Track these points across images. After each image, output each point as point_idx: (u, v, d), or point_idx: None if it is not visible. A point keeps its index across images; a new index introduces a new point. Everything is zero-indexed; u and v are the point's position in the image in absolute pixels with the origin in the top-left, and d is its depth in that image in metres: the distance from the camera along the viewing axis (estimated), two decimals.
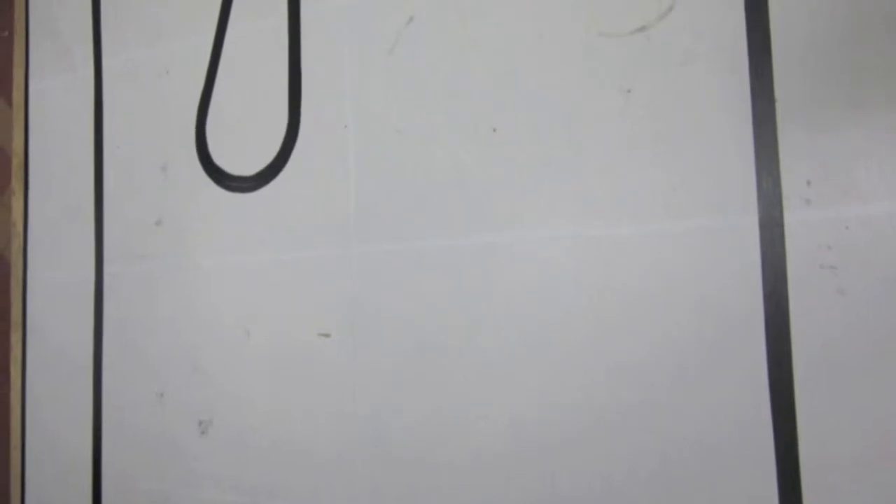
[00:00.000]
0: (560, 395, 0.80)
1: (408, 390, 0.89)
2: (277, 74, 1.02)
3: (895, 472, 0.65)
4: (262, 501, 0.99)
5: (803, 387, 0.69)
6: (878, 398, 0.66)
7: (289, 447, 0.98)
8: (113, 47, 1.20)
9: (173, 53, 1.13)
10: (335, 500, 0.94)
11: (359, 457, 0.92)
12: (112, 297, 1.17)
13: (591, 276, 0.79)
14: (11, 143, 1.31)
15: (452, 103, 0.88)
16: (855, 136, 0.69)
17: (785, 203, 0.71)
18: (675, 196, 0.76)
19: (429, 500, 0.87)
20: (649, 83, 0.77)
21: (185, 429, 1.08)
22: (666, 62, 0.77)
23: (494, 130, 0.86)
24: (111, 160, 1.19)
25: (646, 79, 0.78)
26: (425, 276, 0.89)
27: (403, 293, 0.90)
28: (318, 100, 0.99)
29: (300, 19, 1.01)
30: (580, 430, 0.79)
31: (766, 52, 0.72)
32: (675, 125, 0.76)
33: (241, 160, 1.05)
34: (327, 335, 0.95)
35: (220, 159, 1.07)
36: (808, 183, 0.70)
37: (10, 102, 1.32)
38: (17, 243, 1.30)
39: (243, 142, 1.05)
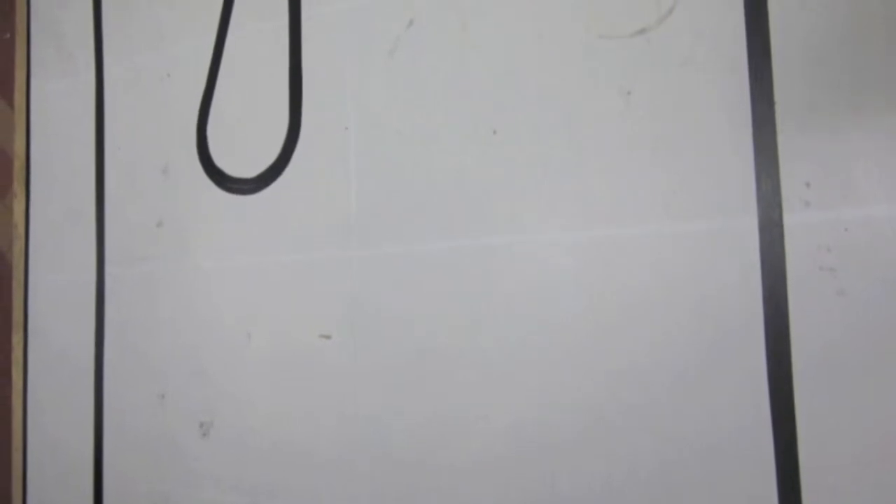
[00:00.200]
0: (560, 396, 0.80)
1: (408, 391, 0.89)
2: (278, 77, 1.02)
3: (895, 474, 0.65)
4: (263, 502, 1.00)
5: (803, 388, 0.69)
6: (877, 399, 0.66)
7: (289, 448, 0.98)
8: (115, 50, 1.21)
9: (175, 56, 1.13)
10: (335, 500, 0.94)
11: (359, 458, 0.92)
12: (113, 299, 1.18)
13: (591, 277, 0.79)
14: (13, 146, 1.31)
15: (453, 105, 0.89)
16: (854, 138, 0.69)
17: (784, 205, 0.71)
18: (675, 197, 0.76)
19: (429, 501, 0.87)
20: (649, 85, 0.78)
21: (185, 430, 1.08)
22: (666, 64, 0.77)
23: (494, 132, 0.86)
24: (112, 163, 1.20)
25: (646, 81, 0.78)
26: (425, 277, 0.89)
27: (404, 294, 0.90)
28: (319, 102, 0.99)
29: (301, 22, 1.01)
30: (580, 430, 0.79)
31: (765, 55, 0.73)
32: (675, 127, 0.76)
33: (241, 162, 1.05)
34: (328, 337, 0.96)
35: (221, 161, 1.07)
36: (808, 185, 0.70)
37: (11, 105, 1.33)
38: (18, 245, 1.30)
39: (244, 144, 1.05)
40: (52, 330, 1.26)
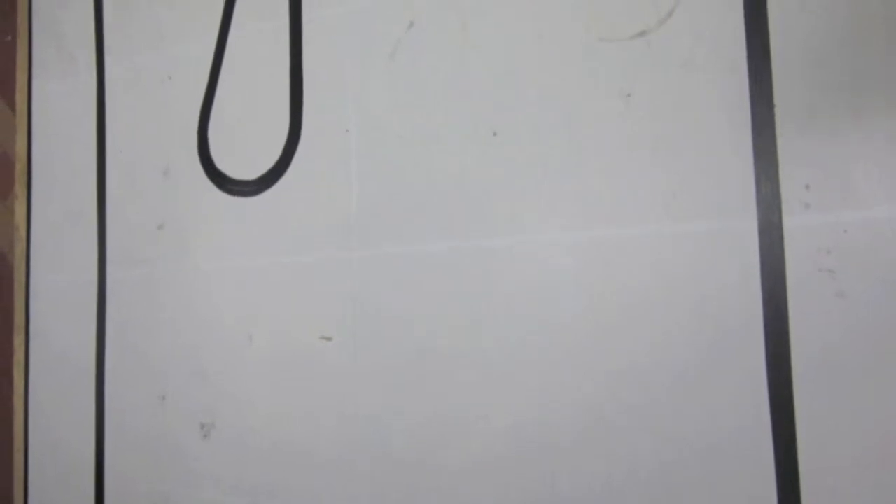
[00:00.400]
0: (560, 396, 0.80)
1: (408, 392, 0.89)
2: (279, 79, 1.02)
3: (894, 475, 0.66)
4: (263, 502, 1.00)
5: (802, 389, 0.69)
6: (877, 400, 0.66)
7: (290, 449, 0.98)
8: (116, 52, 1.21)
9: (176, 58, 1.14)
10: (335, 501, 0.94)
11: (359, 458, 0.92)
12: (114, 301, 1.18)
13: (591, 278, 0.79)
14: (14, 147, 1.32)
15: (453, 107, 0.89)
16: (854, 140, 0.69)
17: (784, 207, 0.71)
18: (675, 199, 0.76)
19: (429, 501, 0.87)
20: (649, 88, 0.78)
21: (186, 431, 1.08)
22: (666, 67, 0.77)
23: (495, 134, 0.86)
24: (114, 164, 1.20)
25: (646, 83, 0.78)
26: (426, 277, 0.89)
27: (404, 295, 0.91)
28: (320, 104, 0.99)
29: (302, 24, 1.01)
30: (580, 431, 0.79)
31: (765, 58, 0.73)
32: (675, 129, 0.76)
33: (242, 164, 1.05)
34: (329, 338, 0.96)
35: (221, 163, 1.07)
36: (807, 187, 0.70)
37: (13, 106, 1.33)
38: (20, 247, 1.31)
39: (245, 146, 1.05)
40: (53, 331, 1.26)
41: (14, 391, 1.29)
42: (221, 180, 1.07)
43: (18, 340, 1.29)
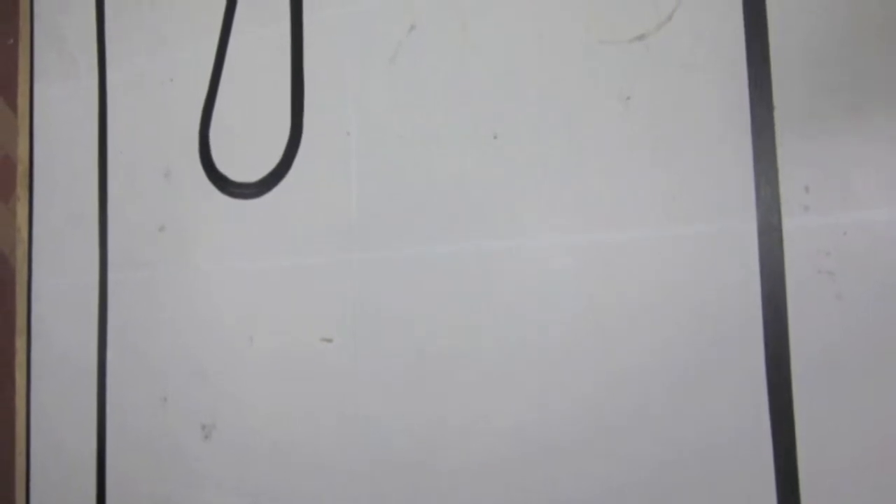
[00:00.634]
0: (560, 399, 0.80)
1: (409, 394, 0.90)
2: (280, 82, 1.03)
3: (894, 477, 0.66)
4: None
5: (802, 391, 0.69)
6: (876, 402, 0.67)
7: (291, 451, 0.99)
8: (117, 55, 1.21)
9: (177, 61, 1.14)
10: (336, 502, 0.94)
11: (360, 460, 0.93)
12: (116, 303, 1.18)
13: (590, 280, 0.80)
14: (16, 151, 1.32)
15: (454, 110, 0.89)
16: (853, 142, 0.69)
17: (783, 209, 0.71)
18: (675, 201, 0.76)
19: (429, 503, 0.88)
20: (648, 90, 0.78)
21: (188, 433, 1.08)
22: (665, 70, 0.77)
23: (495, 136, 0.86)
24: (115, 167, 1.20)
25: (645, 86, 0.78)
26: (426, 279, 0.89)
27: (404, 297, 0.91)
28: (321, 107, 0.99)
29: (303, 27, 1.02)
30: (581, 433, 0.79)
31: (764, 60, 0.73)
32: (675, 132, 0.77)
33: (243, 167, 1.05)
34: (329, 340, 0.96)
35: (222, 166, 1.08)
36: (807, 189, 0.70)
37: (14, 110, 1.33)
38: (21, 249, 1.31)
39: (246, 148, 1.06)
40: (54, 333, 1.26)
41: (16, 392, 1.30)
42: (222, 182, 1.07)
43: (20, 342, 1.30)
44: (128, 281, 1.17)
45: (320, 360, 0.97)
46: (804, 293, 0.70)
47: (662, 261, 0.76)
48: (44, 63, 1.31)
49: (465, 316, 0.87)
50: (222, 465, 1.04)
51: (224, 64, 1.08)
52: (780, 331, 0.70)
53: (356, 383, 0.93)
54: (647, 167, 0.78)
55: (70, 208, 1.25)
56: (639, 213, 0.78)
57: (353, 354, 0.94)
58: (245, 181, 1.05)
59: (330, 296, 0.96)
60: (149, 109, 1.16)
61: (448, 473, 0.87)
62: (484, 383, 0.85)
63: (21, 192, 1.31)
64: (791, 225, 0.71)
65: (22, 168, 1.31)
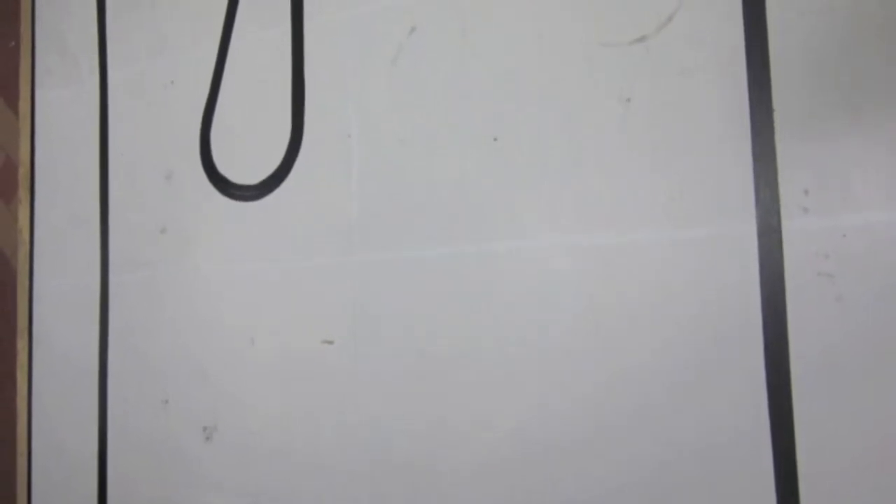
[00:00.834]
0: (560, 401, 0.80)
1: (409, 396, 0.90)
2: (281, 84, 1.03)
3: (893, 479, 0.66)
4: None
5: (801, 393, 0.69)
6: (876, 404, 0.67)
7: (291, 452, 0.99)
8: (119, 57, 1.22)
9: (178, 63, 1.14)
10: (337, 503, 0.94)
11: (361, 461, 0.93)
12: (117, 305, 1.18)
13: (590, 282, 0.80)
14: (18, 153, 1.32)
15: (454, 113, 0.89)
16: (853, 145, 0.69)
17: (783, 211, 0.71)
18: (675, 204, 0.76)
19: None
20: (648, 93, 0.78)
21: (189, 435, 1.08)
22: (665, 72, 0.78)
23: (495, 139, 0.87)
24: (116, 169, 1.20)
25: (645, 88, 0.79)
26: (426, 281, 0.90)
27: (405, 300, 0.91)
28: (322, 110, 1.00)
29: (303, 30, 1.02)
30: (581, 435, 0.79)
31: (764, 62, 0.73)
32: (674, 134, 0.77)
33: (244, 169, 1.06)
34: (330, 341, 0.96)
35: (223, 168, 1.08)
36: (806, 192, 0.70)
37: (16, 112, 1.33)
38: (23, 250, 1.31)
39: (247, 151, 1.06)
40: (56, 335, 1.26)
41: (17, 394, 1.30)
42: (223, 185, 1.07)
43: (21, 343, 1.30)
44: (129, 282, 1.17)
45: (321, 362, 0.97)
46: (804, 295, 0.70)
47: (662, 262, 0.76)
48: (45, 65, 1.32)
49: (465, 317, 0.87)
50: (223, 466, 1.05)
51: (225, 66, 1.09)
52: (779, 332, 0.71)
53: (356, 384, 0.94)
54: (647, 169, 0.78)
55: (71, 210, 1.25)
56: (639, 215, 0.78)
57: (354, 355, 0.94)
58: (246, 183, 1.05)
59: (331, 297, 0.96)
60: (150, 111, 1.17)
61: (448, 473, 0.87)
62: (484, 383, 0.85)
63: (23, 193, 1.32)
64: (791, 227, 0.71)
65: (23, 170, 1.32)
